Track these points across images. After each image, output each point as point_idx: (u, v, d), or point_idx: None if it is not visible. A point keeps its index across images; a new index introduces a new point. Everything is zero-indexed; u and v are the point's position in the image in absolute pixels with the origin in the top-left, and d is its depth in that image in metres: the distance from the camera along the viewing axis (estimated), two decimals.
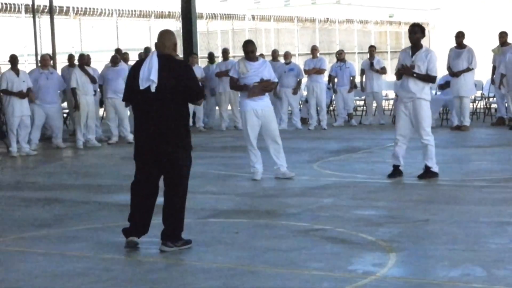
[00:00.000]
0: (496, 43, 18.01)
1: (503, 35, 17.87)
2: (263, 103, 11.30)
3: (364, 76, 19.65)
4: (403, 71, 10.86)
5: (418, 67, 10.83)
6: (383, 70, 19.69)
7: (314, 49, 19.78)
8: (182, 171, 7.26)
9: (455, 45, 17.29)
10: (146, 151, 7.26)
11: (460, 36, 17.24)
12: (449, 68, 17.47)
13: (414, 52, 10.92)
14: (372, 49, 19.91)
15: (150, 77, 7.09)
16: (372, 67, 19.26)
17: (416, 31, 10.86)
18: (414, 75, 10.81)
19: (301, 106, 20.88)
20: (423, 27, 11.08)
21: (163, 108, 7.13)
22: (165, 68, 7.14)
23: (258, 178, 11.35)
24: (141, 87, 7.14)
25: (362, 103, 21.12)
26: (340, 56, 19.98)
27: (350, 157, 13.81)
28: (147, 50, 19.01)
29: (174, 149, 7.19)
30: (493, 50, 18.07)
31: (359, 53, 39.59)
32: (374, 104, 19.92)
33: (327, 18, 39.66)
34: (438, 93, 19.58)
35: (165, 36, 7.33)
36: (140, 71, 7.19)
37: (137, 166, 7.42)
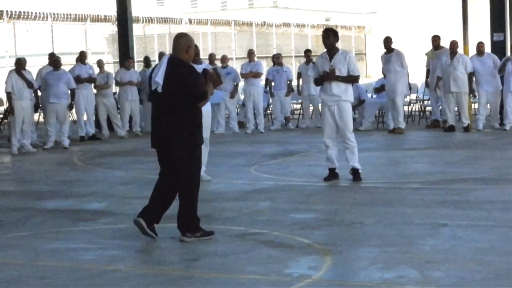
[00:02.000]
0: (429, 46, 18.27)
1: (436, 39, 18.12)
2: (206, 107, 11.33)
3: (301, 80, 19.75)
4: (327, 77, 10.94)
5: (339, 70, 10.93)
6: None
7: (251, 53, 19.84)
8: (180, 168, 7.64)
9: (385, 50, 17.50)
10: (154, 146, 7.80)
11: (388, 41, 17.44)
12: (383, 72, 17.71)
13: (332, 56, 11.02)
14: (308, 53, 19.97)
15: (155, 78, 7.63)
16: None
17: (329, 36, 10.97)
18: (339, 79, 10.92)
19: (238, 110, 20.92)
20: (336, 31, 11.21)
21: (166, 107, 7.61)
22: (171, 71, 7.60)
23: None
24: (152, 88, 7.71)
25: (299, 106, 21.23)
26: (277, 60, 20.06)
27: (287, 160, 13.88)
28: (82, 54, 18.81)
29: (174, 147, 7.65)
30: (426, 54, 18.32)
31: (296, 56, 39.81)
32: (311, 108, 20.05)
33: (264, 22, 39.81)
34: (374, 96, 19.81)
35: (177, 40, 7.79)
36: (153, 73, 7.74)
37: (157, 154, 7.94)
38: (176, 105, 7.59)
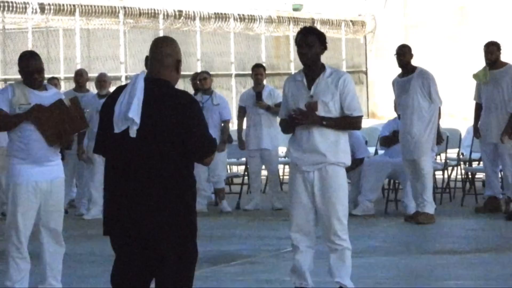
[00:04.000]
0: (481, 62, 18.39)
1: (492, 49, 18.16)
2: (52, 170, 11.30)
3: (245, 120, 19.77)
4: (300, 119, 10.92)
5: (324, 106, 10.88)
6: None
7: None
8: (172, 269, 7.86)
9: (399, 69, 17.50)
10: (121, 228, 7.90)
11: (404, 52, 17.44)
12: (396, 108, 17.78)
13: (313, 78, 11.01)
14: (258, 70, 19.96)
15: (128, 114, 7.72)
16: (259, 102, 19.36)
17: (312, 43, 10.93)
18: (324, 122, 10.92)
19: None
20: (323, 34, 11.18)
21: (149, 164, 7.81)
22: (155, 102, 7.80)
23: None
24: (116, 130, 7.82)
25: (242, 169, 21.24)
26: (203, 82, 20.04)
27: (218, 272, 13.86)
28: None
29: (162, 232, 7.81)
30: (475, 76, 18.42)
31: (238, 76, 40.01)
32: (264, 172, 20.07)
33: (180, 12, 39.98)
34: (380, 152, 19.86)
35: (160, 48, 7.99)
36: (116, 105, 7.71)
37: (113, 248, 8.06)
38: (163, 160, 7.73)
